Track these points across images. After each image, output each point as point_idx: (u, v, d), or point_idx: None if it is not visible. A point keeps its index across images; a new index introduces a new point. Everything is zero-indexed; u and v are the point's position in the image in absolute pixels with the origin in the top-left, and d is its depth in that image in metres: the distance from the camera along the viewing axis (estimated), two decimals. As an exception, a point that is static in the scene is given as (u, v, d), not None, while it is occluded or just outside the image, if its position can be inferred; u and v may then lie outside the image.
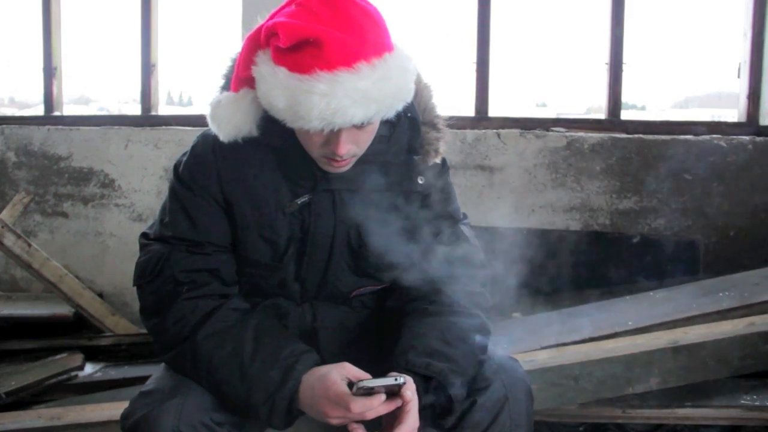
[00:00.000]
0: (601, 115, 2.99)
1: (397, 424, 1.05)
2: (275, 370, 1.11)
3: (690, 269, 2.57)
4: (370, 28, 1.05)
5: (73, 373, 2.39)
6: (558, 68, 3.24)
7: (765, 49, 2.84)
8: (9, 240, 2.62)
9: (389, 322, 1.27)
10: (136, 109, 3.37)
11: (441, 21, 3.24)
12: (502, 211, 2.82)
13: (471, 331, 1.20)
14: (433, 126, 1.26)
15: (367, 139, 1.14)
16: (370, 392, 1.05)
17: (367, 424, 1.08)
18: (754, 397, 1.83)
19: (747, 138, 2.74)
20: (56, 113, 3.40)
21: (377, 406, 1.04)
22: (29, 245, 2.67)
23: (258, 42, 1.10)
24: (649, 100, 3.31)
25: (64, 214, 3.19)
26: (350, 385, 1.06)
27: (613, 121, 2.92)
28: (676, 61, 3.11)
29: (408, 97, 1.13)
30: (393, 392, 1.06)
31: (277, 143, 1.19)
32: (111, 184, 3.14)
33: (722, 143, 2.72)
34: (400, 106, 1.11)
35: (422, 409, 1.10)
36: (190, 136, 1.29)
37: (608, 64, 2.93)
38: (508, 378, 1.19)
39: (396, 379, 1.04)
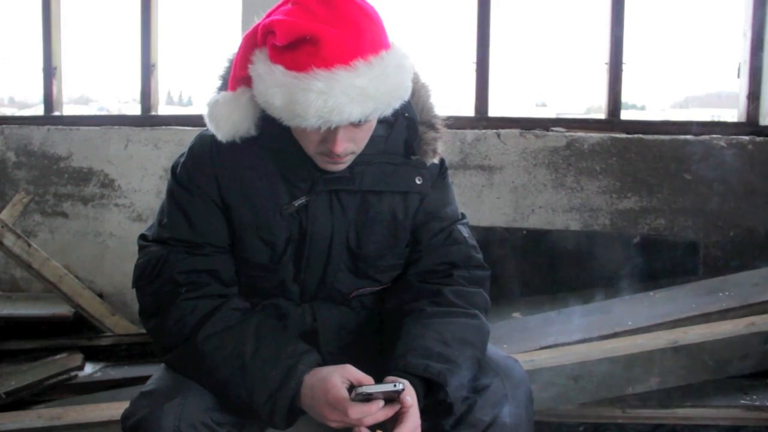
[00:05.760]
0: (601, 115, 2.99)
1: (397, 425, 1.05)
2: (277, 370, 1.11)
3: (690, 269, 2.57)
4: (367, 25, 1.05)
5: (73, 373, 2.39)
6: (558, 68, 3.24)
7: (765, 49, 2.84)
8: (9, 240, 2.62)
9: (389, 323, 1.27)
10: (136, 109, 3.38)
11: (441, 21, 3.24)
12: (501, 211, 2.82)
13: (469, 331, 1.20)
14: (431, 126, 1.25)
15: (364, 137, 1.14)
16: (368, 398, 1.05)
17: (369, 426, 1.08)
18: (754, 397, 1.84)
19: (747, 138, 2.74)
20: (56, 113, 3.40)
21: (375, 413, 1.05)
22: (29, 245, 2.67)
23: (255, 41, 1.10)
24: (649, 100, 3.31)
25: (64, 214, 3.19)
26: (351, 388, 1.06)
27: (613, 121, 2.92)
28: (676, 61, 3.11)
29: (405, 95, 1.12)
30: (392, 398, 1.06)
31: (274, 144, 1.19)
32: (111, 184, 3.14)
33: (722, 143, 2.72)
34: (397, 104, 1.10)
35: (422, 410, 1.10)
36: (190, 136, 1.29)
37: (608, 64, 2.93)
38: (508, 378, 1.19)
39: (395, 386, 1.04)
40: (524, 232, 2.73)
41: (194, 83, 3.74)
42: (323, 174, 1.19)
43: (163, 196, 1.26)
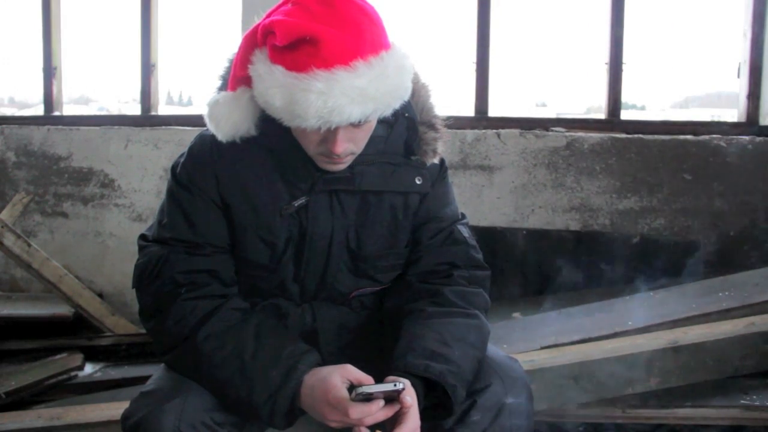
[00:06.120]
0: (601, 115, 2.99)
1: (397, 425, 1.05)
2: (277, 370, 1.11)
3: (690, 269, 2.57)
4: (367, 26, 1.05)
5: (73, 373, 2.39)
6: (558, 68, 3.24)
7: (765, 49, 2.84)
8: (9, 240, 2.62)
9: (389, 323, 1.27)
10: (136, 109, 3.38)
11: (441, 21, 3.24)
12: (501, 211, 2.82)
13: (469, 331, 1.20)
14: (431, 126, 1.25)
15: (364, 137, 1.14)
16: (368, 398, 1.05)
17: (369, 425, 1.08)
18: (754, 397, 1.84)
19: (747, 138, 2.74)
20: (56, 113, 3.40)
21: (375, 413, 1.05)
22: (29, 245, 2.67)
23: (255, 41, 1.10)
24: (649, 100, 3.31)
25: (64, 214, 3.19)
26: (351, 388, 1.06)
27: (613, 121, 2.92)
28: (676, 61, 3.11)
29: (405, 96, 1.12)
30: (392, 398, 1.06)
31: (274, 144, 1.19)
32: (111, 184, 3.14)
33: (722, 143, 2.72)
34: (397, 105, 1.11)
35: (422, 411, 1.10)
36: (190, 136, 1.29)
37: (608, 64, 2.93)
38: (508, 378, 1.19)
39: (395, 385, 1.04)
40: (524, 232, 2.73)
41: (194, 83, 3.74)
42: (323, 174, 1.19)
43: (163, 196, 1.26)
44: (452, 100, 3.16)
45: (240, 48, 1.13)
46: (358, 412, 1.04)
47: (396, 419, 1.06)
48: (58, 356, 2.52)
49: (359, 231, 1.24)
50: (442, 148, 1.26)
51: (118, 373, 2.44)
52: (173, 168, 1.25)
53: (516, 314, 2.42)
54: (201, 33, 3.53)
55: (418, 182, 1.25)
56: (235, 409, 1.14)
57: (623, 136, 2.79)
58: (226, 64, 1.21)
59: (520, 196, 2.81)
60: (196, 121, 2.14)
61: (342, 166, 1.17)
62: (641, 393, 1.80)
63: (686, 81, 3.28)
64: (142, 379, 1.57)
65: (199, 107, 1.19)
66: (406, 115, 1.22)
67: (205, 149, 1.22)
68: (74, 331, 2.81)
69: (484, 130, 2.85)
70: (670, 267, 2.57)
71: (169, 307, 1.17)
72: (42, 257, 2.69)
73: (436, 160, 1.26)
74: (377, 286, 1.30)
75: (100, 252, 3.15)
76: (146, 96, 3.30)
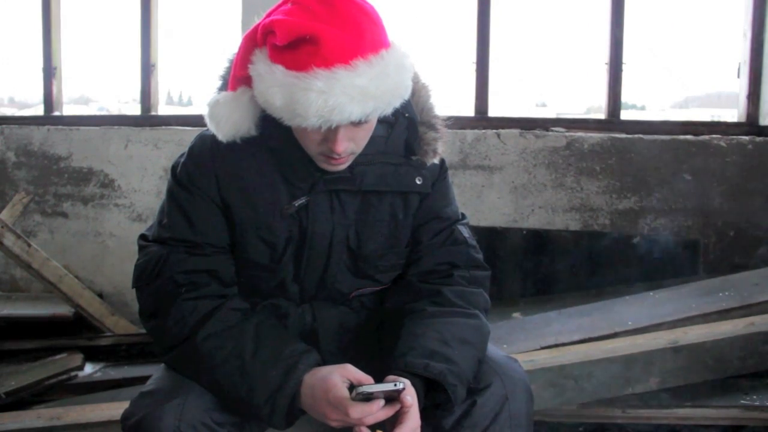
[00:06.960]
0: (601, 115, 2.99)
1: (397, 424, 1.05)
2: (276, 370, 1.11)
3: (690, 269, 2.57)
4: (367, 25, 1.05)
5: (73, 373, 2.39)
6: (558, 68, 3.24)
7: (765, 49, 2.84)
8: (9, 240, 2.62)
9: (389, 323, 1.27)
10: (136, 109, 3.38)
11: (441, 21, 3.24)
12: (501, 211, 2.82)
13: (470, 331, 1.20)
14: (431, 126, 1.25)
15: (364, 136, 1.14)
16: (369, 397, 1.05)
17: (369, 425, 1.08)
18: (754, 397, 1.84)
19: (747, 138, 2.74)
20: (56, 113, 3.40)
21: (376, 412, 1.05)
22: (29, 245, 2.66)
23: (255, 40, 1.10)
24: (649, 100, 3.31)
25: (64, 214, 3.19)
26: (351, 387, 1.06)
27: (613, 121, 2.93)
28: (676, 61, 3.11)
29: (405, 94, 1.13)
30: (392, 397, 1.06)
31: (275, 144, 1.19)
32: (111, 184, 3.14)
33: (722, 143, 2.72)
34: (397, 103, 1.11)
35: (422, 410, 1.10)
36: (189, 136, 1.29)
37: (608, 64, 2.94)
38: (508, 378, 1.19)
39: (395, 385, 1.04)
40: (524, 232, 2.73)
41: (194, 83, 3.74)
42: (323, 174, 1.19)
43: (163, 196, 1.26)
44: (452, 100, 3.16)
45: (240, 48, 1.13)
46: (359, 411, 1.04)
47: (396, 419, 1.06)
48: (58, 356, 2.52)
49: (359, 231, 1.24)
50: (442, 148, 1.26)
51: (118, 373, 2.44)
52: (173, 168, 1.25)
53: (516, 314, 2.43)
54: (201, 33, 3.53)
55: (418, 182, 1.25)
56: (235, 409, 1.15)
57: (623, 136, 2.79)
58: (226, 64, 1.21)
59: (520, 196, 2.81)
60: (196, 121, 2.14)
61: (342, 166, 1.17)
62: (641, 393, 1.80)
63: (686, 81, 3.28)
64: (142, 379, 1.57)
65: (199, 107, 1.19)
66: (406, 115, 1.22)
67: (205, 149, 1.22)
68: (74, 331, 2.81)
69: (484, 130, 2.85)
70: (670, 267, 2.57)
71: (169, 307, 1.17)
72: (42, 257, 2.69)
73: (436, 160, 1.26)
74: (377, 286, 1.30)
75: (100, 252, 3.15)
76: (146, 96, 3.30)
